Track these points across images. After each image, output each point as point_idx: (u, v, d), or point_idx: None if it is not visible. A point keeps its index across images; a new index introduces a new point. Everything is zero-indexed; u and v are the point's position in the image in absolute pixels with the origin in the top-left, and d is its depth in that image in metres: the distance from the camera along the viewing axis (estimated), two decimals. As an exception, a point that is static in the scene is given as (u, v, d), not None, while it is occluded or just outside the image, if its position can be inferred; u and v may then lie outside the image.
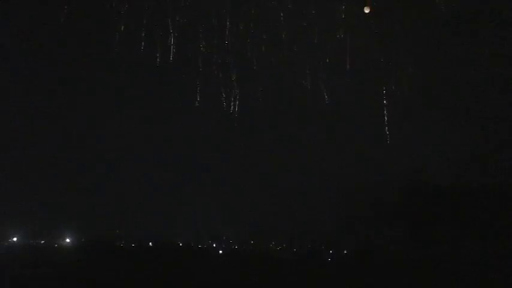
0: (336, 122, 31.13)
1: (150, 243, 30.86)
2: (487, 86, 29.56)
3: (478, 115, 29.35)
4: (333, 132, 31.11)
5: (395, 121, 30.58)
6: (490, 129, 28.95)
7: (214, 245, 30.96)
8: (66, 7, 30.87)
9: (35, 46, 30.95)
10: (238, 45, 31.91)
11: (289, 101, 31.52)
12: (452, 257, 26.97)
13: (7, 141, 30.06)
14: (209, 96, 31.67)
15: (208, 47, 31.82)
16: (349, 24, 31.62)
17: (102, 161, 31.00)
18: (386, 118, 30.45)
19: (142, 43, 31.54)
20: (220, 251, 30.68)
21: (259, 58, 31.83)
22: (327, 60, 31.60)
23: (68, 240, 30.52)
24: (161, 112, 31.58)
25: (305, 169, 30.87)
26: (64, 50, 31.14)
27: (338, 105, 31.23)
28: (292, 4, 31.77)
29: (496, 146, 28.70)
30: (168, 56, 31.64)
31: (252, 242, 31.24)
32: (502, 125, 28.89)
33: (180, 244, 30.90)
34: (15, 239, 30.11)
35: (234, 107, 31.45)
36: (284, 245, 31.29)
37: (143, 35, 31.53)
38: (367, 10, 31.33)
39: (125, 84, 31.31)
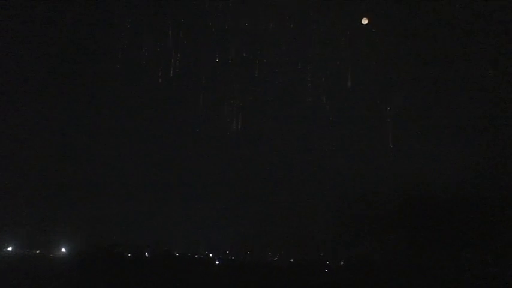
0: (338, 133, 31.34)
1: (147, 254, 30.71)
2: (488, 97, 29.70)
3: (479, 126, 29.50)
4: (336, 144, 31.30)
5: (399, 134, 30.86)
6: (491, 140, 29.14)
7: (211, 256, 30.85)
8: (67, 23, 30.95)
9: (36, 57, 30.95)
10: (240, 61, 32.15)
11: (291, 116, 31.75)
12: (452, 267, 27.08)
13: (3, 150, 29.91)
14: (212, 110, 31.97)
15: (210, 63, 32.02)
16: (349, 39, 31.86)
17: (99, 171, 30.91)
18: (391, 132, 30.82)
19: (144, 59, 31.79)
20: (217, 262, 30.56)
21: (262, 74, 32.10)
22: (329, 76, 31.90)
23: (63, 250, 30.31)
24: (163, 126, 31.61)
25: (304, 180, 30.94)
26: (65, 65, 31.15)
27: (341, 118, 31.48)
28: (293, 23, 32.10)
29: (496, 157, 28.87)
30: (170, 72, 31.84)
31: (248, 252, 31.19)
32: (502, 136, 29.09)
33: (177, 254, 30.78)
34: (10, 248, 29.88)
35: (237, 122, 31.74)
36: (281, 255, 31.23)
37: (144, 51, 31.79)
38: (365, 21, 31.55)
39: (128, 99, 31.41)
